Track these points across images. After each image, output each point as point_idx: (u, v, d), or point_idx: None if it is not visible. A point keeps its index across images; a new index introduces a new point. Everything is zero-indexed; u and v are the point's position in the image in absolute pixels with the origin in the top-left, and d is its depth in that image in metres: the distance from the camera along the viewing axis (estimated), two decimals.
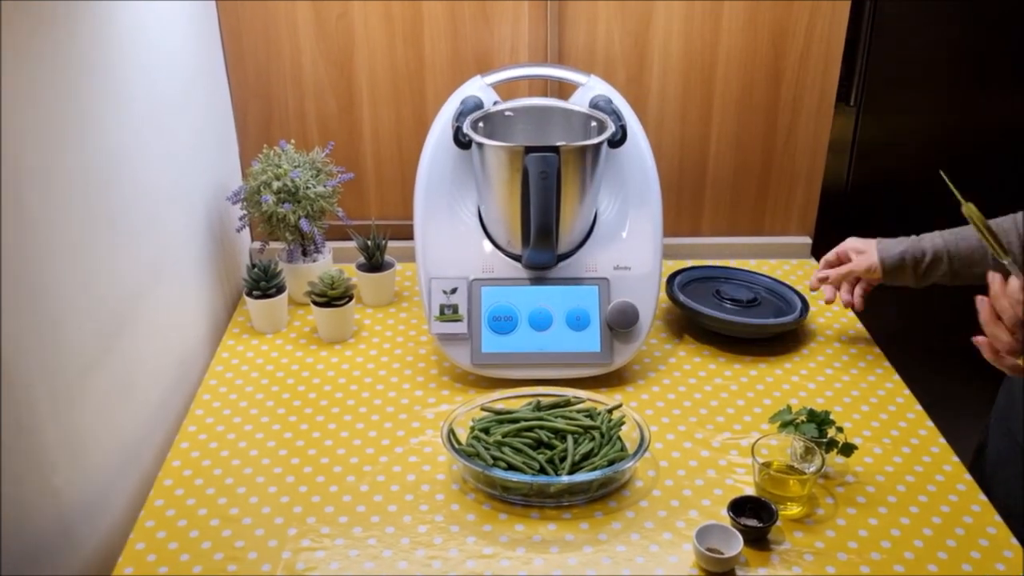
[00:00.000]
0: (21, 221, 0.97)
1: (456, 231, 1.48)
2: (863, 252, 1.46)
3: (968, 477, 1.25)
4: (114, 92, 1.22)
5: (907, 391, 1.44)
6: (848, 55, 1.77)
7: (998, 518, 1.18)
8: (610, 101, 1.48)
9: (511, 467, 1.20)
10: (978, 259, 1.36)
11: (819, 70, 1.74)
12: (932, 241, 1.40)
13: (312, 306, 1.55)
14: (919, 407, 1.40)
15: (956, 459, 1.29)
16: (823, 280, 1.50)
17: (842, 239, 1.96)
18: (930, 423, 1.36)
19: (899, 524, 1.17)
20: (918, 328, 1.97)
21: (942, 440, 1.33)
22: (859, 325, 1.63)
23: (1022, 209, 1.22)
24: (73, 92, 1.10)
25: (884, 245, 1.44)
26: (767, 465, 1.21)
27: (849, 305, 1.50)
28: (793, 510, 1.18)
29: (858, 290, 1.49)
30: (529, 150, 1.34)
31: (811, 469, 1.19)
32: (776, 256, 1.87)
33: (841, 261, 1.50)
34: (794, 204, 1.87)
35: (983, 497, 1.22)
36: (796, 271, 1.82)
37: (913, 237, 1.42)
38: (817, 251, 1.88)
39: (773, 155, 1.81)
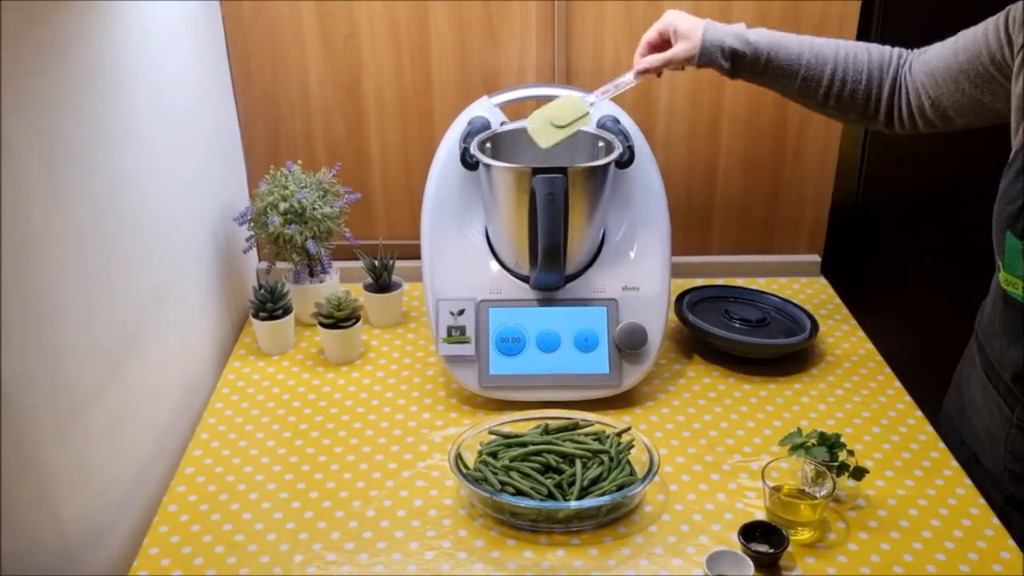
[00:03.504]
0: (25, 243, 0.97)
1: (463, 252, 1.47)
2: (687, 38, 1.33)
3: (982, 501, 1.24)
4: (120, 112, 1.22)
5: (918, 412, 1.43)
6: None
7: (1012, 542, 1.17)
8: (617, 121, 1.48)
9: (519, 492, 1.19)
10: (788, 73, 1.32)
11: None
12: (758, 43, 1.31)
13: (319, 327, 1.55)
14: (930, 428, 1.39)
15: (968, 482, 1.27)
16: (644, 72, 1.37)
17: (852, 257, 1.95)
18: (941, 445, 1.35)
19: (912, 549, 1.16)
20: (928, 348, 1.96)
21: (954, 463, 1.31)
22: (869, 345, 1.61)
23: None
24: (79, 112, 1.10)
25: (712, 35, 1.32)
26: (777, 489, 1.19)
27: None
28: (804, 535, 1.17)
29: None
30: (536, 171, 1.34)
31: (822, 493, 1.18)
32: (785, 275, 1.86)
33: (663, 40, 1.36)
34: (803, 222, 1.86)
35: (996, 520, 1.20)
36: (805, 290, 1.81)
37: (741, 30, 1.33)
38: (827, 270, 1.87)
39: (782, 173, 1.80)
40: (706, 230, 1.85)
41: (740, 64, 1.32)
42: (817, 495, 1.19)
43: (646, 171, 1.48)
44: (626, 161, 1.43)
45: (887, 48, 1.33)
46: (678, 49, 1.33)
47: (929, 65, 1.27)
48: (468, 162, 1.42)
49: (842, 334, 1.65)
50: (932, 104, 1.27)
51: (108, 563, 1.16)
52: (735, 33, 1.32)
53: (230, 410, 1.44)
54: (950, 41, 1.26)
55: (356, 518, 1.21)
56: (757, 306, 1.66)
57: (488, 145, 1.46)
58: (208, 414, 1.43)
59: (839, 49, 1.31)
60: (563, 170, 1.33)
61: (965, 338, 1.38)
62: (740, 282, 1.81)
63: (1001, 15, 1.16)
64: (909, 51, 1.32)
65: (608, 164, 1.39)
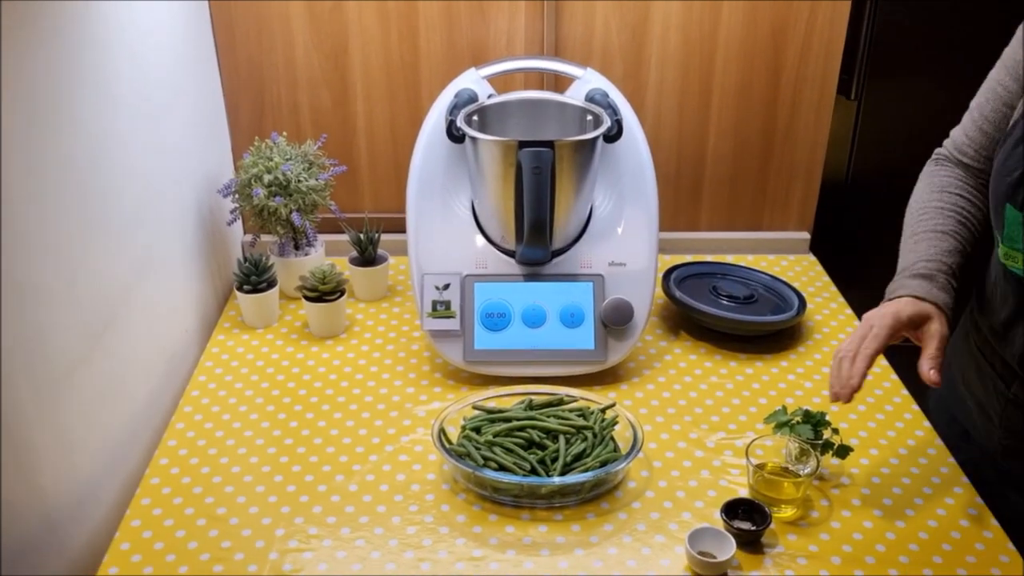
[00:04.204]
0: (3, 215, 0.95)
1: (449, 226, 1.46)
2: (930, 316, 1.13)
3: (965, 480, 1.24)
4: (102, 83, 1.20)
5: (904, 391, 1.42)
6: (849, 48, 1.74)
7: (995, 522, 1.17)
8: (606, 95, 1.46)
9: (502, 468, 1.19)
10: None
11: (819, 63, 1.71)
12: (947, 276, 1.17)
13: (304, 301, 1.53)
14: (916, 407, 1.39)
15: (952, 460, 1.27)
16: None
17: (841, 234, 1.95)
18: (927, 423, 1.35)
19: (894, 527, 1.16)
20: None
21: (939, 441, 1.31)
22: (857, 323, 1.61)
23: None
24: (60, 82, 1.08)
25: (941, 297, 1.15)
26: (761, 467, 1.19)
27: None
28: (787, 512, 1.17)
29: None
30: (523, 144, 1.32)
31: (806, 471, 1.18)
32: (774, 251, 1.85)
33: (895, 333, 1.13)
34: (793, 199, 1.84)
35: (980, 500, 1.20)
36: (794, 267, 1.81)
37: (932, 272, 1.17)
38: (816, 247, 1.87)
39: (772, 149, 1.79)
40: (695, 206, 1.84)
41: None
42: (801, 472, 1.19)
43: (635, 145, 1.47)
44: (614, 135, 1.42)
45: (954, 177, 1.25)
46: (940, 329, 1.13)
47: (982, 153, 1.21)
48: (454, 135, 1.41)
49: (830, 312, 1.64)
50: None
51: (90, 534, 1.16)
52: (942, 285, 1.16)
53: (214, 383, 1.43)
54: (974, 121, 1.22)
55: (338, 492, 1.21)
56: (745, 283, 1.65)
57: (475, 118, 1.44)
58: (191, 387, 1.42)
59: (957, 212, 1.22)
60: (550, 144, 1.32)
61: (954, 317, 1.37)
62: (729, 259, 1.80)
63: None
64: (957, 164, 1.26)
65: (596, 138, 1.37)
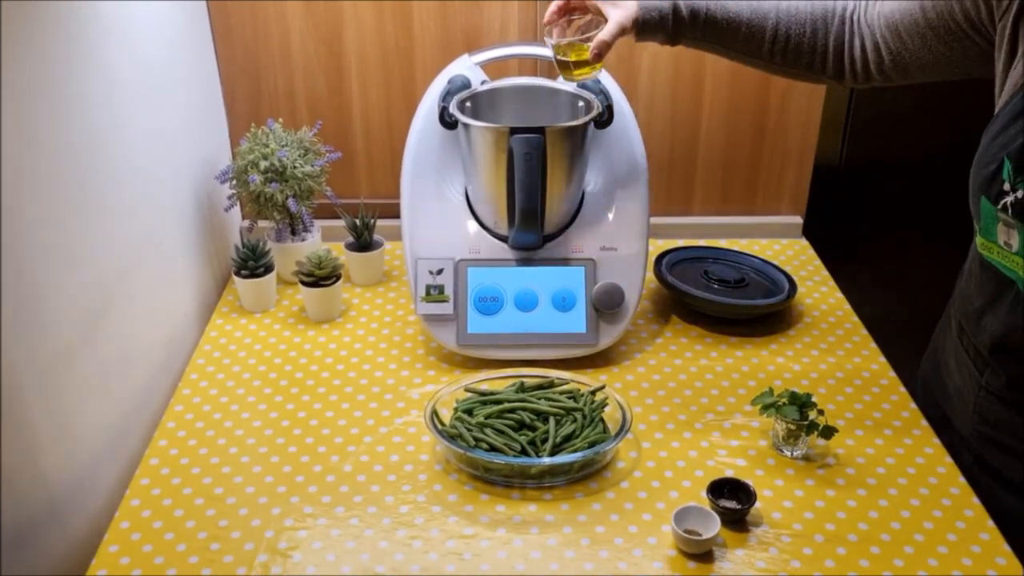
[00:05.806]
0: (3, 202, 0.97)
1: (443, 211, 1.48)
2: (619, 5, 1.23)
3: (948, 460, 1.26)
4: (100, 71, 1.22)
5: (892, 373, 1.44)
6: None
7: (976, 500, 1.19)
8: (598, 80, 1.48)
9: (493, 448, 1.21)
10: (729, 30, 1.25)
11: None
12: (694, 2, 1.24)
13: (300, 286, 1.56)
14: (903, 389, 1.41)
15: (937, 441, 1.29)
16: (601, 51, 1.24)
17: (835, 218, 1.96)
18: (913, 405, 1.37)
19: (877, 506, 1.18)
20: (908, 310, 1.98)
21: (924, 422, 1.33)
22: (847, 306, 1.63)
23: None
24: (55, 68, 1.10)
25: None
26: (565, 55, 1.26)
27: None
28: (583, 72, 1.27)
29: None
30: (514, 131, 1.34)
31: (795, 454, 1.20)
32: (767, 236, 1.87)
33: (575, 8, 1.27)
34: (786, 183, 1.86)
35: (963, 480, 1.22)
36: (786, 251, 1.82)
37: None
38: (809, 231, 1.88)
39: (765, 133, 1.80)
40: (688, 191, 1.85)
41: (679, 26, 1.25)
42: (789, 455, 1.21)
43: (626, 131, 1.49)
44: (605, 121, 1.43)
45: None
46: (617, 16, 1.23)
47: (891, 19, 1.20)
48: (447, 121, 1.43)
49: (820, 295, 1.66)
50: (893, 59, 1.22)
51: (90, 514, 1.19)
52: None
53: (211, 366, 1.45)
54: None
55: (333, 472, 1.23)
56: (736, 267, 1.67)
57: (468, 104, 1.45)
58: (190, 370, 1.45)
59: (778, 2, 1.25)
60: (541, 130, 1.34)
61: (945, 300, 1.39)
62: (722, 243, 1.82)
63: None
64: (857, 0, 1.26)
65: (586, 124, 1.39)
